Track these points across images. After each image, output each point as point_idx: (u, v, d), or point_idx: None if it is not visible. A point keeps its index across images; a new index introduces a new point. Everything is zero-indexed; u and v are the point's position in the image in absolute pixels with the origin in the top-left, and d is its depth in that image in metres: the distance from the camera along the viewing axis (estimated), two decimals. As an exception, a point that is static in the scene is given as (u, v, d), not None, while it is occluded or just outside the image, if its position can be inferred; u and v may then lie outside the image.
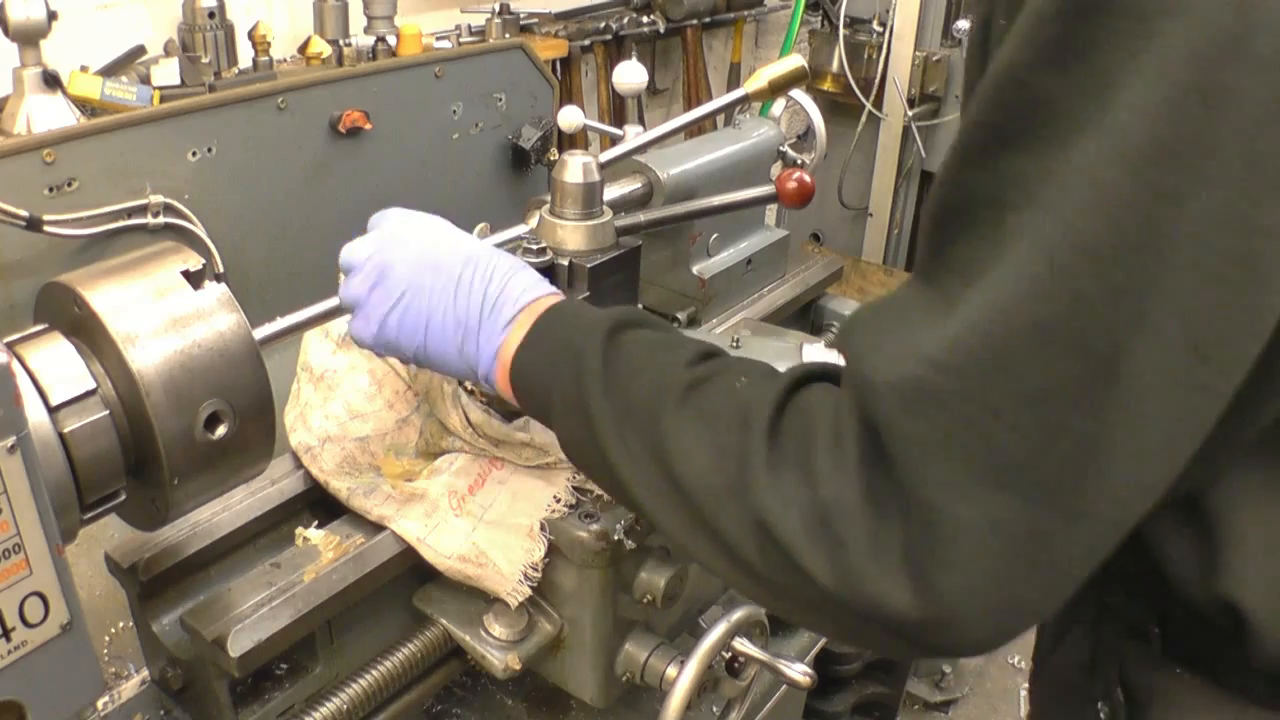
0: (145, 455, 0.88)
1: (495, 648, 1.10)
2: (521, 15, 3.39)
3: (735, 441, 0.72)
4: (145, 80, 2.40)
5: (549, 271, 1.14)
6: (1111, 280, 0.59)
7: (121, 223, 1.93)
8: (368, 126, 2.29)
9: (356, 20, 2.86)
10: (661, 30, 3.92)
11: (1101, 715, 0.90)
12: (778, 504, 0.67)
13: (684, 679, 1.03)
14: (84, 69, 2.26)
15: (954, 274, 0.65)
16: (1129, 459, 0.60)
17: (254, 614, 0.98)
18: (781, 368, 0.80)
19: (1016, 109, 0.62)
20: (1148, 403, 0.60)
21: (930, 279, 0.68)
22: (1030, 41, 0.62)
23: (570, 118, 1.72)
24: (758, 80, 1.36)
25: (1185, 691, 0.85)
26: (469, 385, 1.19)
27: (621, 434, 0.81)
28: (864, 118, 3.62)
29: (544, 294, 0.96)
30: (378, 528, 1.11)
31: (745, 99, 1.39)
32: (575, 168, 1.17)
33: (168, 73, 2.42)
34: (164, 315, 0.87)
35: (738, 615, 1.07)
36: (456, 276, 0.96)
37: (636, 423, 0.80)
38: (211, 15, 2.51)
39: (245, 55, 2.64)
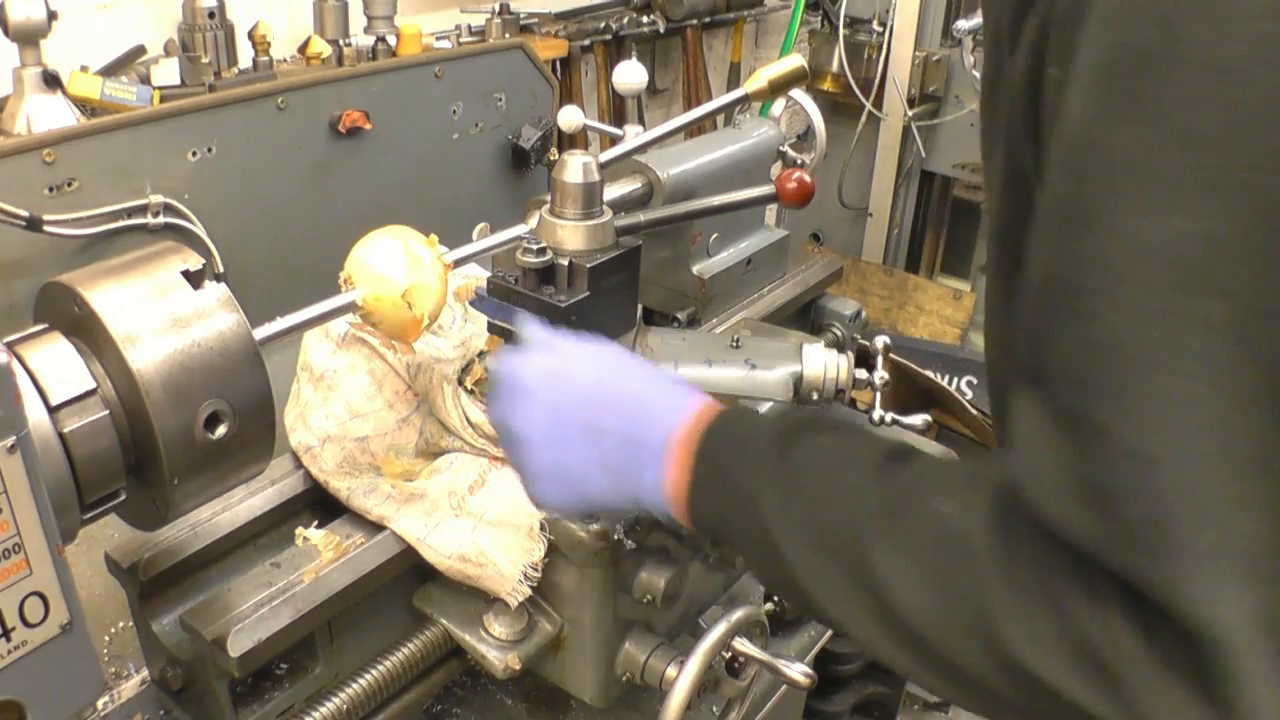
0: (145, 455, 0.88)
1: (495, 648, 1.10)
2: (521, 15, 3.39)
3: (962, 578, 0.70)
4: (145, 80, 2.40)
5: (549, 272, 1.13)
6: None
7: (121, 223, 1.93)
8: (368, 126, 2.29)
9: (356, 20, 2.86)
10: (661, 30, 3.92)
11: None
12: (1033, 644, 0.66)
13: (684, 679, 1.03)
14: (84, 69, 2.27)
15: (1073, 386, 0.65)
16: None
17: (254, 614, 0.98)
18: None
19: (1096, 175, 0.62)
20: None
21: (1041, 381, 0.67)
22: (1098, 98, 0.61)
23: (570, 118, 1.71)
24: (758, 80, 1.36)
25: None
26: (469, 385, 1.19)
27: (819, 568, 0.78)
28: (864, 118, 3.62)
29: (687, 416, 0.89)
30: (378, 528, 1.11)
31: (745, 99, 1.40)
32: (575, 168, 1.17)
33: (168, 73, 2.42)
34: (164, 315, 0.87)
35: (738, 615, 1.07)
36: (595, 427, 0.91)
37: (834, 553, 0.77)
38: (211, 15, 2.51)
39: (245, 55, 2.63)
